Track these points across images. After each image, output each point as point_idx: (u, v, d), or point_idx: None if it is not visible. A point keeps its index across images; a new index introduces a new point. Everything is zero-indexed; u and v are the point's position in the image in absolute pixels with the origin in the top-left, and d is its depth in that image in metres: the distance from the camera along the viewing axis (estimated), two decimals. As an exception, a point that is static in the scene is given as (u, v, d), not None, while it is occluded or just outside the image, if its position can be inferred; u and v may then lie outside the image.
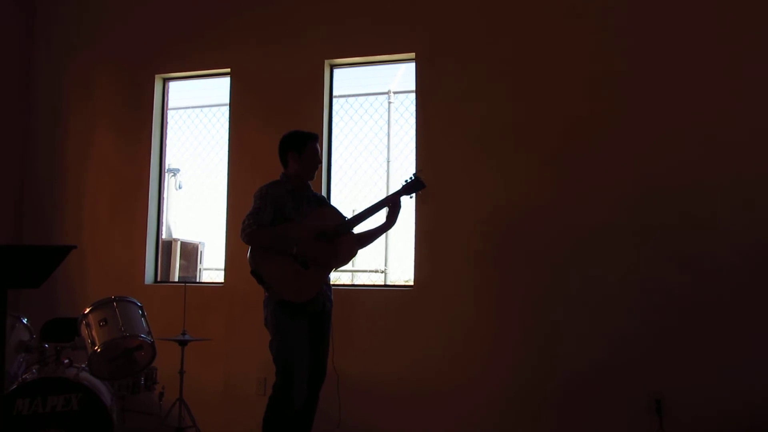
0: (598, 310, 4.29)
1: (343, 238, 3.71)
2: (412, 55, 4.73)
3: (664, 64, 4.32)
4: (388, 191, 5.17)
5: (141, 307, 4.16)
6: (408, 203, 3.92)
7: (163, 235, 5.30)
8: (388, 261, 4.77)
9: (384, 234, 3.96)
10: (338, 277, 4.26)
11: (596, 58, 4.44)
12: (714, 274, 4.15)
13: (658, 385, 4.16)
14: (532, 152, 4.45)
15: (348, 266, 3.92)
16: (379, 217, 3.84)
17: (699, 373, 4.12)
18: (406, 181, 3.87)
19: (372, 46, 4.84)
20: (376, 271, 4.80)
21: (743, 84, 4.21)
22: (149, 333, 4.05)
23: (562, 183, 4.39)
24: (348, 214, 3.98)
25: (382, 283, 4.71)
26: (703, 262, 4.17)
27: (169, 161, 5.60)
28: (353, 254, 3.83)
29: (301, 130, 3.79)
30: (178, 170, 6.12)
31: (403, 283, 4.65)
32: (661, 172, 4.26)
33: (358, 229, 3.83)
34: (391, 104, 5.29)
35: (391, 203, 3.80)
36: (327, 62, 4.87)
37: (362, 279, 4.75)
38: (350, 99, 5.10)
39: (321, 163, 3.89)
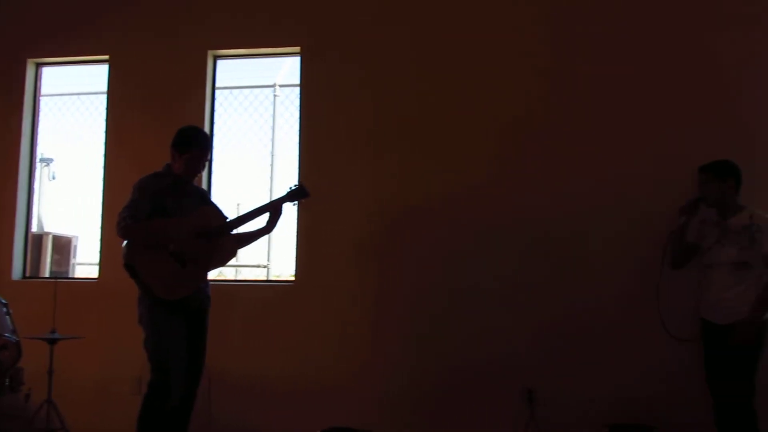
0: (477, 307, 4.41)
1: (223, 239, 3.68)
2: (298, 48, 4.71)
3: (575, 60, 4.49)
4: (272, 184, 5.15)
5: (6, 305, 4.02)
6: (290, 208, 3.94)
7: (34, 228, 5.07)
8: (271, 256, 4.75)
9: (263, 236, 3.96)
10: (221, 272, 4.19)
11: (492, 52, 4.53)
12: (587, 277, 4.35)
13: (531, 378, 4.33)
14: (419, 149, 4.52)
15: (231, 261, 3.87)
16: (261, 219, 3.85)
17: (567, 367, 4.32)
18: (290, 188, 3.89)
19: (257, 38, 4.80)
20: (259, 266, 4.76)
21: (643, 89, 4.42)
22: (14, 332, 3.90)
23: (449, 180, 4.47)
24: (231, 207, 3.98)
25: (264, 279, 4.67)
26: (577, 264, 4.36)
27: (42, 150, 5.37)
28: (233, 255, 3.80)
29: (197, 131, 3.79)
30: (51, 160, 5.87)
31: (284, 279, 4.61)
32: (543, 176, 4.42)
33: (238, 231, 3.82)
34: (277, 97, 5.25)
35: (273, 209, 3.81)
36: (210, 53, 4.80)
37: (245, 274, 4.69)
38: (235, 91, 5.03)
39: (202, 171, 3.82)
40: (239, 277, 4.69)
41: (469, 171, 4.48)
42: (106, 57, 4.94)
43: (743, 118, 4.33)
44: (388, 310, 4.48)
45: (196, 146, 3.65)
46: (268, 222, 3.84)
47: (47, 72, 5.12)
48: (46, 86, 5.10)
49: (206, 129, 4.69)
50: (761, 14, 4.36)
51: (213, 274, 3.93)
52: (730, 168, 3.87)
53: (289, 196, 3.89)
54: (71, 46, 5.00)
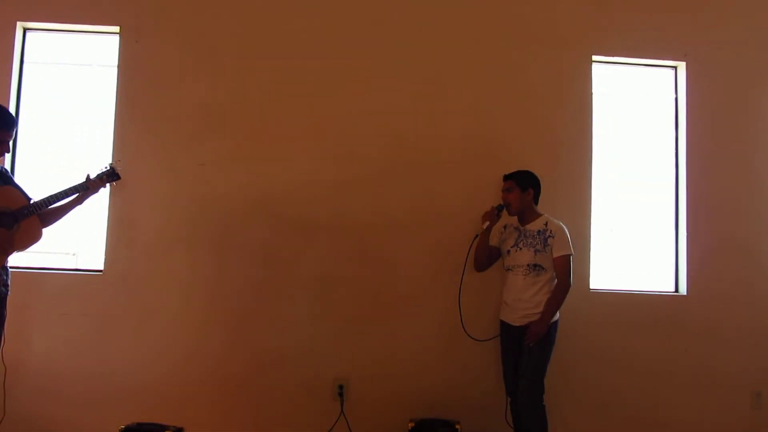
0: (287, 299, 4.44)
1: (26, 221, 3.54)
2: (117, 28, 4.50)
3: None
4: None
5: None
6: (102, 191, 3.87)
7: None
8: (81, 244, 4.51)
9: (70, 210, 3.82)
10: (21, 258, 3.95)
11: (321, 40, 4.55)
12: (395, 275, 4.48)
13: (341, 372, 4.41)
14: (236, 138, 4.46)
15: (35, 247, 3.67)
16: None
17: (375, 362, 4.43)
18: (101, 169, 3.84)
19: (72, 13, 4.51)
20: (67, 254, 4.51)
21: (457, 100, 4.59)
22: None
23: (268, 173, 4.46)
24: (36, 188, 3.77)
25: (71, 267, 4.44)
26: (385, 263, 4.48)
27: None
28: (37, 238, 3.66)
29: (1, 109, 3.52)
30: None
31: (91, 267, 4.41)
32: (355, 168, 4.49)
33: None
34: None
35: (83, 190, 3.74)
36: (20, 24, 4.47)
37: (51, 262, 4.44)
38: (54, 67, 4.67)
39: (9, 152, 3.61)
40: (44, 265, 4.39)
41: (291, 164, 4.48)
42: None
43: (549, 131, 4.61)
44: (196, 300, 4.41)
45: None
46: (75, 199, 3.75)
47: None
48: None
49: (11, 104, 4.39)
50: (569, 37, 4.68)
51: (14, 260, 3.73)
52: (531, 179, 4.11)
53: (99, 179, 3.82)
54: None
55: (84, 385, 4.30)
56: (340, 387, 4.39)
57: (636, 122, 4.87)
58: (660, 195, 4.82)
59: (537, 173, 4.16)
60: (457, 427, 4.11)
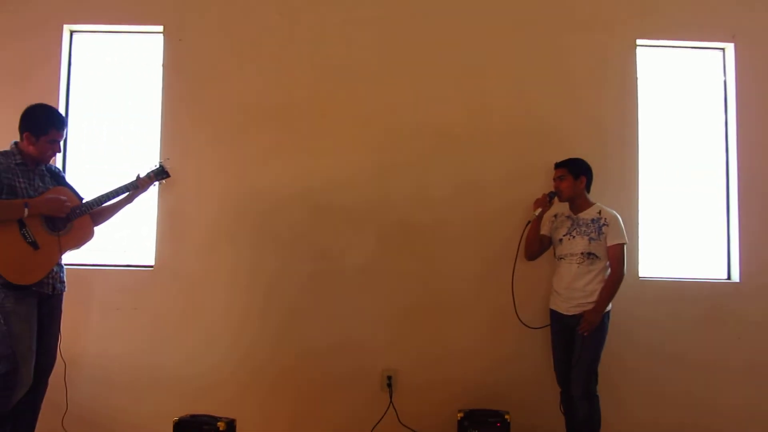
0: (336, 292, 4.52)
1: (78, 220, 3.64)
2: (161, 28, 4.61)
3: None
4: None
5: None
6: (151, 188, 4.02)
7: None
8: (131, 241, 4.64)
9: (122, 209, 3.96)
10: (76, 256, 4.09)
11: (363, 39, 4.60)
12: (444, 265, 4.53)
13: (390, 363, 4.48)
14: (281, 135, 4.55)
15: (88, 245, 3.81)
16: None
17: (424, 352, 4.49)
18: (150, 168, 3.98)
19: (116, 14, 4.63)
20: (118, 251, 4.64)
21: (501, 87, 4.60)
22: None
23: (311, 168, 4.54)
24: (87, 188, 3.95)
25: (123, 263, 4.59)
26: (435, 252, 4.53)
27: None
28: (89, 237, 3.76)
29: (50, 108, 3.65)
30: None
31: (142, 263, 4.56)
32: (405, 166, 4.56)
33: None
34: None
35: (133, 189, 3.88)
36: (67, 27, 4.61)
37: (104, 258, 4.57)
38: (102, 68, 4.78)
39: (60, 152, 3.71)
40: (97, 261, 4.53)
41: (331, 158, 4.55)
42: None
43: (594, 118, 4.60)
44: (243, 293, 4.52)
45: (52, 126, 3.57)
46: (126, 198, 3.89)
47: None
48: None
49: (60, 105, 4.53)
50: (613, 21, 4.66)
51: (69, 258, 3.86)
52: (583, 166, 4.10)
53: (149, 177, 3.96)
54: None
55: (139, 377, 4.44)
56: (389, 378, 4.45)
57: (684, 107, 4.83)
58: (711, 181, 4.79)
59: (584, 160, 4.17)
60: (506, 417, 4.13)
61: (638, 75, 4.65)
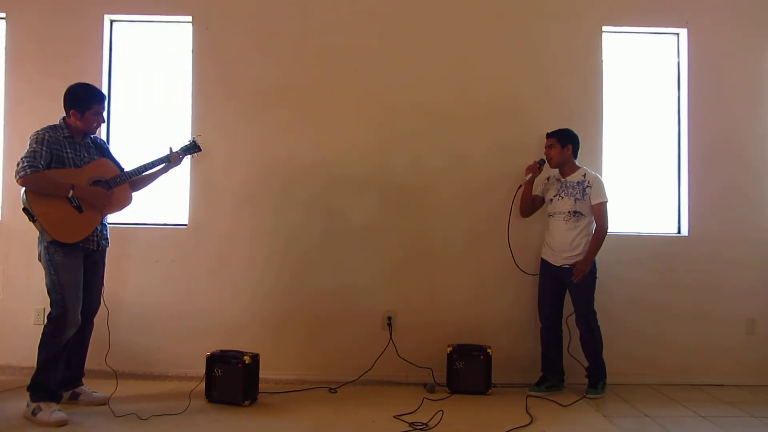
0: (344, 245, 4.81)
1: (118, 188, 3.84)
2: (190, 17, 4.82)
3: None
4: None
5: None
6: (182, 161, 4.20)
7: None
8: (166, 204, 4.92)
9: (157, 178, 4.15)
10: (117, 217, 4.33)
11: (376, 20, 4.86)
12: (433, 219, 4.80)
13: (390, 305, 4.75)
14: (298, 110, 4.79)
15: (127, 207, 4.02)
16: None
17: (420, 296, 4.81)
18: (184, 143, 4.17)
19: (150, 5, 4.84)
20: (158, 212, 4.93)
21: (498, 69, 4.87)
22: None
23: (323, 141, 4.79)
24: (128, 159, 4.14)
25: (161, 222, 4.86)
26: (430, 211, 4.83)
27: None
28: (128, 202, 3.98)
29: (89, 85, 3.79)
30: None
31: (177, 222, 4.84)
32: (398, 135, 4.81)
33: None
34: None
35: (168, 161, 4.05)
36: (107, 17, 4.83)
37: (145, 218, 4.89)
38: (140, 54, 5.03)
39: (104, 122, 3.92)
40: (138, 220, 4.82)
41: (339, 133, 4.81)
42: (2, 15, 4.87)
43: (565, 98, 4.84)
44: (264, 248, 4.80)
45: (94, 101, 3.75)
46: (161, 169, 4.08)
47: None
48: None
49: (104, 88, 4.78)
50: (581, 10, 4.89)
51: (113, 218, 4.11)
52: (570, 136, 4.42)
53: (183, 151, 4.18)
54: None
55: (174, 320, 4.76)
56: (389, 318, 4.77)
57: (643, 86, 5.08)
58: (665, 150, 5.04)
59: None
60: (488, 350, 4.44)
61: (603, 59, 4.94)
